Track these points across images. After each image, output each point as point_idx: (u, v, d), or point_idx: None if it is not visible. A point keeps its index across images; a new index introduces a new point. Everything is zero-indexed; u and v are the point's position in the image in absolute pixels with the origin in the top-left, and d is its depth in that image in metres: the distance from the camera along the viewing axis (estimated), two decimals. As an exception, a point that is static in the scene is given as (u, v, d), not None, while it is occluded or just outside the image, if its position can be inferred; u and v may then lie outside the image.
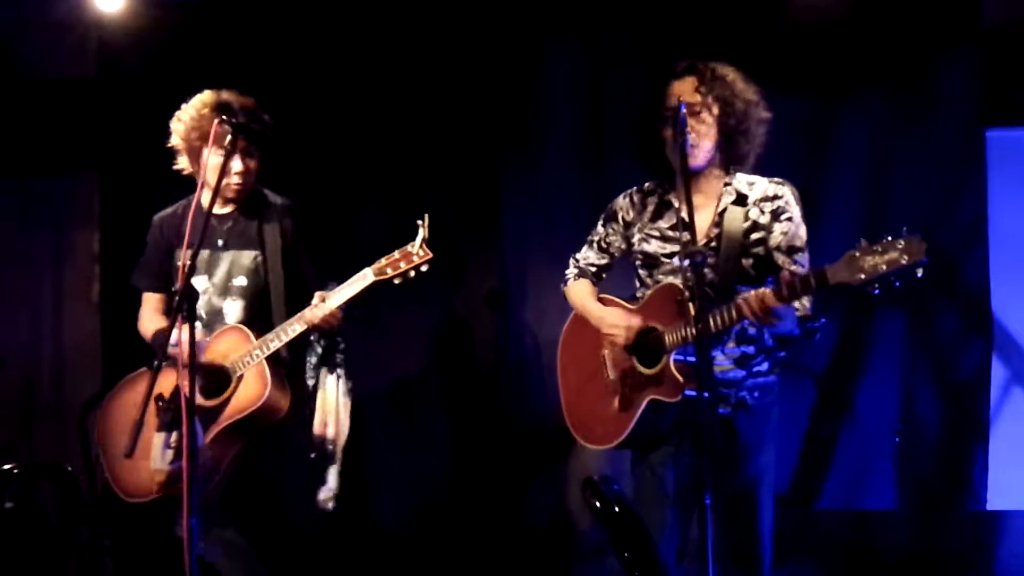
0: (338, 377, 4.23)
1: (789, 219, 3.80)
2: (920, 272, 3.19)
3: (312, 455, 4.17)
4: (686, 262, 3.52)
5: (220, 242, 4.19)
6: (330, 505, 4.21)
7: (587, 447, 4.05)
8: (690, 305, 3.62)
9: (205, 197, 4.08)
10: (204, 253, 4.13)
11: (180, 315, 3.43)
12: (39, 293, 6.03)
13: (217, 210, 4.16)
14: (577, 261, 4.18)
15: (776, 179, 3.88)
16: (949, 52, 5.10)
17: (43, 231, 6.03)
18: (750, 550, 3.84)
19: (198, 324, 4.10)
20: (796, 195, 3.86)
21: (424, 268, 3.81)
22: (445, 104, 5.54)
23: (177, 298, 3.41)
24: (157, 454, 3.64)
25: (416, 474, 5.52)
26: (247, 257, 4.18)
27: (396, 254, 3.82)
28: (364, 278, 3.87)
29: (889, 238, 3.22)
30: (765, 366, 3.88)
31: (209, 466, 3.98)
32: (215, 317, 4.19)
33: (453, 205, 5.49)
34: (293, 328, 3.99)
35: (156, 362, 3.52)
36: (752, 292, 3.51)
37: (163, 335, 4.06)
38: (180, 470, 3.46)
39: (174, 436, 3.59)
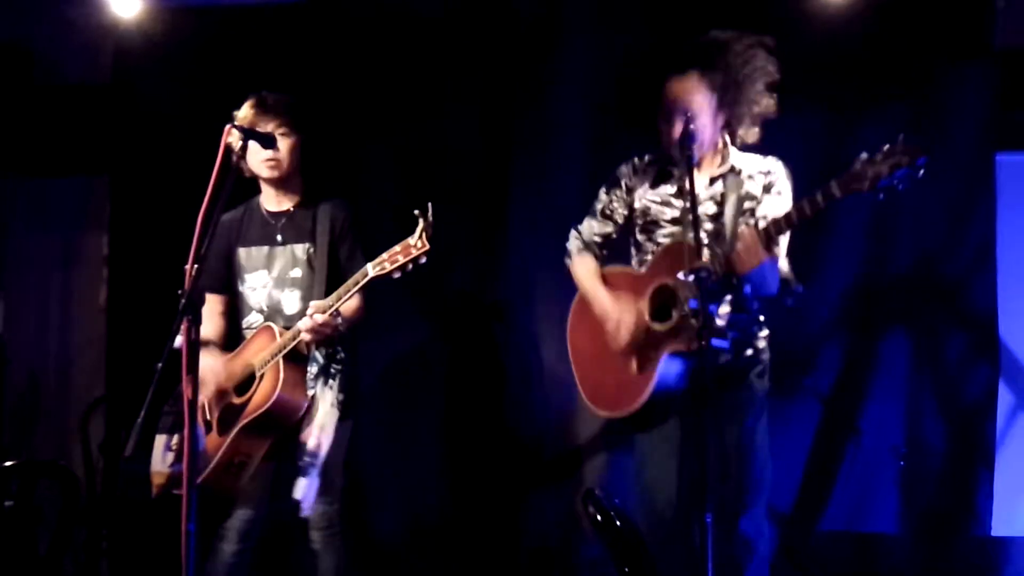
0: (330, 387, 4.20)
1: (779, 193, 3.90)
2: (921, 172, 3.33)
3: (299, 463, 4.15)
4: (691, 277, 3.54)
5: (279, 238, 4.32)
6: (302, 512, 4.16)
7: (612, 415, 4.06)
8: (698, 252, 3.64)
9: (266, 198, 4.35)
10: (264, 249, 4.33)
11: (186, 318, 3.41)
12: (47, 294, 6.07)
13: (275, 208, 4.36)
14: (580, 233, 4.20)
15: (770, 156, 3.97)
16: (959, 74, 5.07)
17: (53, 233, 6.07)
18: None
19: (259, 316, 4.30)
20: (787, 172, 3.94)
21: (422, 260, 3.78)
22: (453, 112, 5.55)
23: (183, 302, 3.40)
24: (157, 456, 3.66)
25: (415, 487, 5.50)
26: (300, 249, 4.29)
27: (397, 247, 3.81)
28: (363, 275, 3.89)
29: (888, 146, 3.40)
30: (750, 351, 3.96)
31: (239, 460, 4.08)
32: (275, 309, 4.30)
33: (458, 210, 5.45)
34: (298, 332, 4.06)
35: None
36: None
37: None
38: (180, 472, 3.46)
39: (175, 439, 3.61)
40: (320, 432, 4.14)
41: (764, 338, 4.00)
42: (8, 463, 5.00)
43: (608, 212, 4.13)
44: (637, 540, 3.80)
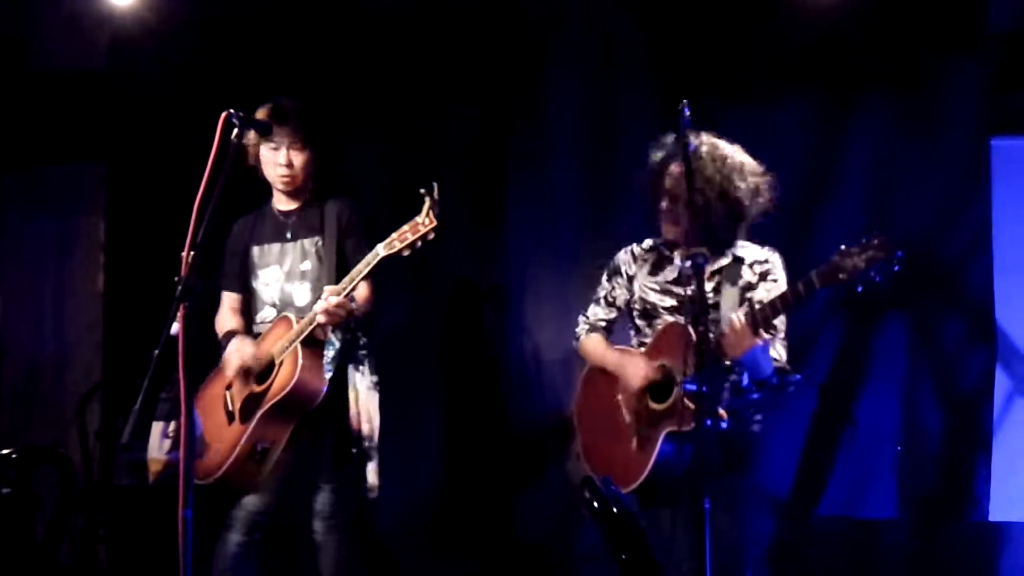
0: (362, 373, 4.31)
1: (774, 280, 4.01)
2: (897, 266, 3.45)
3: (353, 450, 4.26)
4: (687, 263, 3.55)
5: (289, 234, 4.40)
6: (372, 495, 4.32)
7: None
8: (692, 333, 3.70)
9: (277, 200, 4.43)
10: (276, 246, 4.41)
11: (182, 306, 3.41)
12: (44, 281, 6.09)
13: (284, 207, 4.44)
14: (587, 318, 4.31)
15: (767, 247, 4.06)
16: (954, 59, 5.06)
17: (49, 220, 6.10)
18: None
19: (272, 311, 4.38)
20: (783, 262, 4.05)
21: (431, 236, 3.86)
22: (452, 102, 5.55)
23: (180, 288, 3.40)
24: (154, 443, 3.68)
25: (412, 477, 5.49)
26: (310, 243, 4.37)
27: (405, 227, 3.91)
28: (375, 256, 3.97)
29: (865, 240, 3.50)
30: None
31: (263, 447, 4.12)
32: (286, 302, 4.37)
33: (456, 200, 5.45)
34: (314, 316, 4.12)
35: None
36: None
37: (229, 337, 4.33)
38: (177, 460, 3.46)
39: (172, 426, 3.63)
40: (368, 417, 4.29)
41: (758, 422, 4.07)
42: (5, 450, 5.02)
43: (611, 299, 4.25)
44: (634, 527, 3.81)
